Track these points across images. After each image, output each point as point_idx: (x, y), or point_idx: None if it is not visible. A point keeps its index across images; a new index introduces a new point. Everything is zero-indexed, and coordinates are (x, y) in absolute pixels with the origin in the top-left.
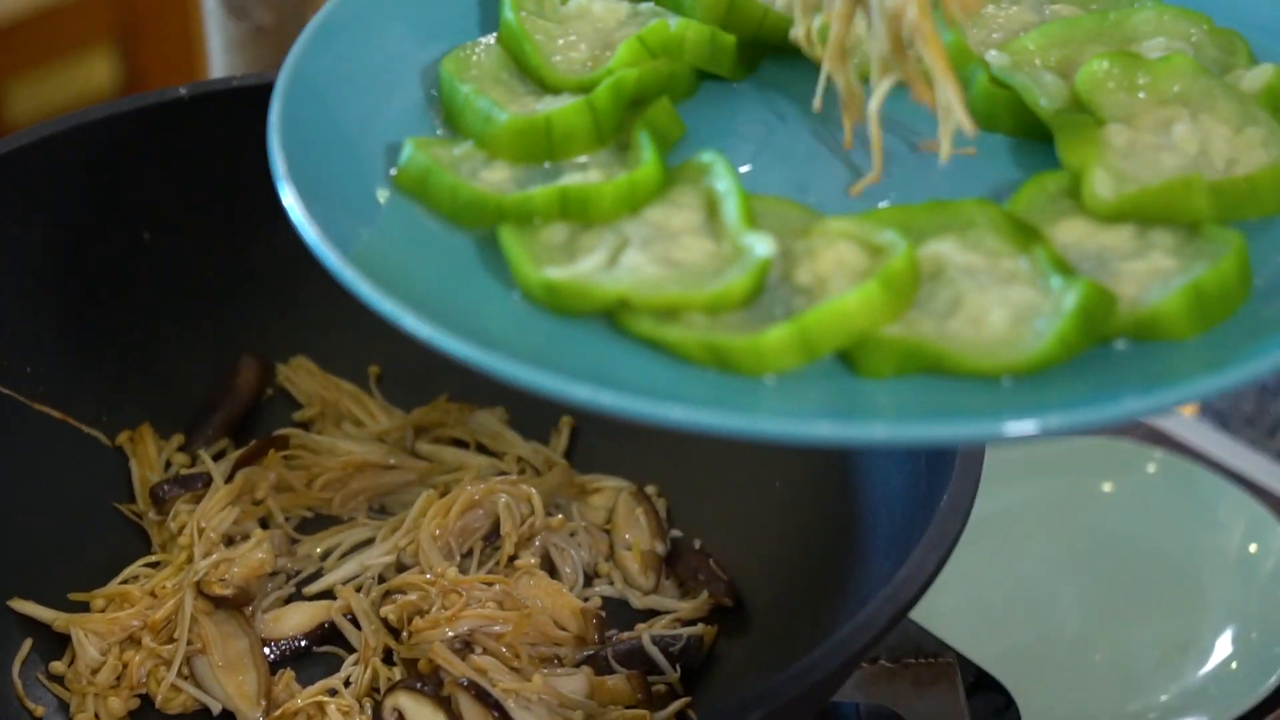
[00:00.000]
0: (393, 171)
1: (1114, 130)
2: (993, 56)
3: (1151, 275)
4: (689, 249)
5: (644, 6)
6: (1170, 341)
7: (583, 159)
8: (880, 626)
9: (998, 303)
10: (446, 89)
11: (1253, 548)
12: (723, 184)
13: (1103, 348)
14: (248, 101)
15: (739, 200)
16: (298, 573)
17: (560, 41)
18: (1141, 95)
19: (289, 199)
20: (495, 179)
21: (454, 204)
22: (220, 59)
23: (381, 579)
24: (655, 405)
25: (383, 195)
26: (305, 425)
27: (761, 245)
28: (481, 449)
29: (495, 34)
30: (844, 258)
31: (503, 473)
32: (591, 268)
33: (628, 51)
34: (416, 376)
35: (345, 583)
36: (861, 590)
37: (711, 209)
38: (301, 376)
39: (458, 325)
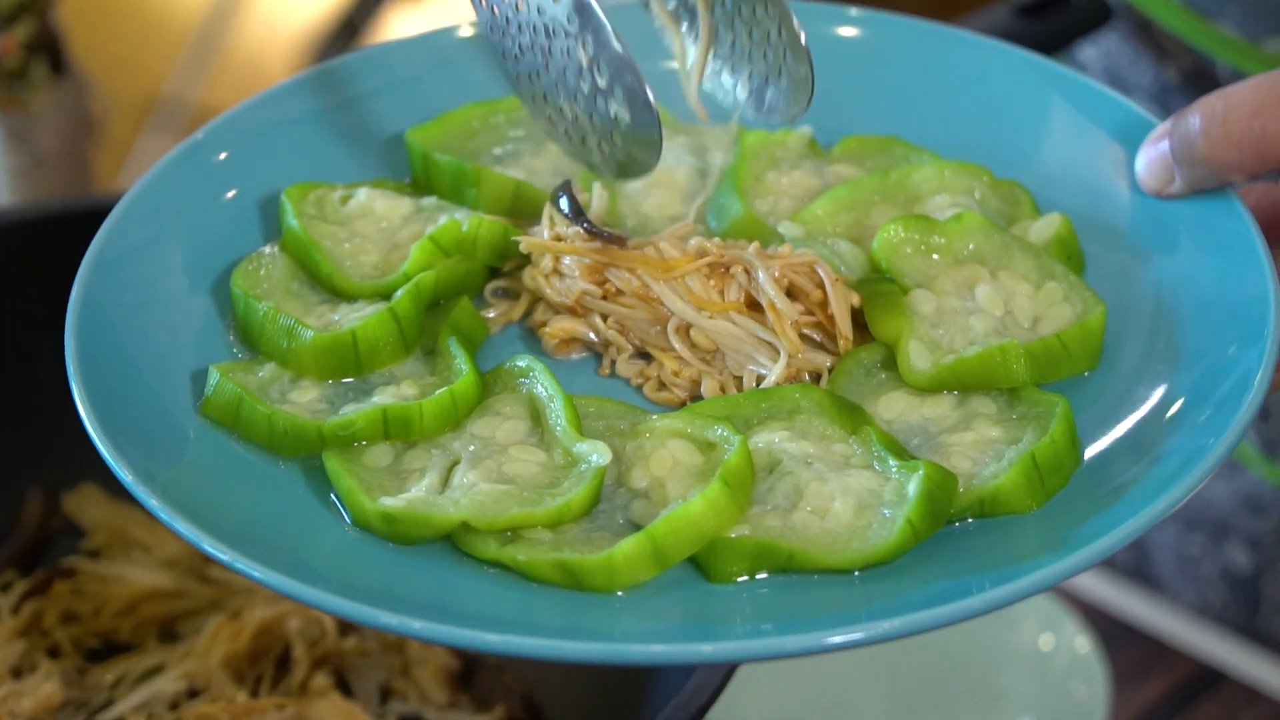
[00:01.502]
0: (199, 402)
1: (919, 297)
2: (785, 228)
3: (981, 447)
4: (520, 462)
5: (426, 202)
6: (1013, 516)
7: (391, 371)
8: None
9: (839, 492)
10: (241, 307)
11: (1046, 643)
12: (543, 389)
13: (948, 529)
14: (25, 232)
15: (565, 406)
16: (87, 703)
17: (346, 245)
18: (936, 257)
19: (95, 436)
20: (305, 400)
21: (271, 433)
22: (3, 186)
23: (173, 705)
24: (512, 639)
25: (191, 425)
26: (94, 553)
27: (596, 454)
28: None
29: (278, 242)
30: (677, 457)
31: None
32: (426, 493)
33: (421, 253)
34: None
35: (136, 710)
36: (657, 699)
37: (535, 416)
38: (88, 505)
39: (285, 558)
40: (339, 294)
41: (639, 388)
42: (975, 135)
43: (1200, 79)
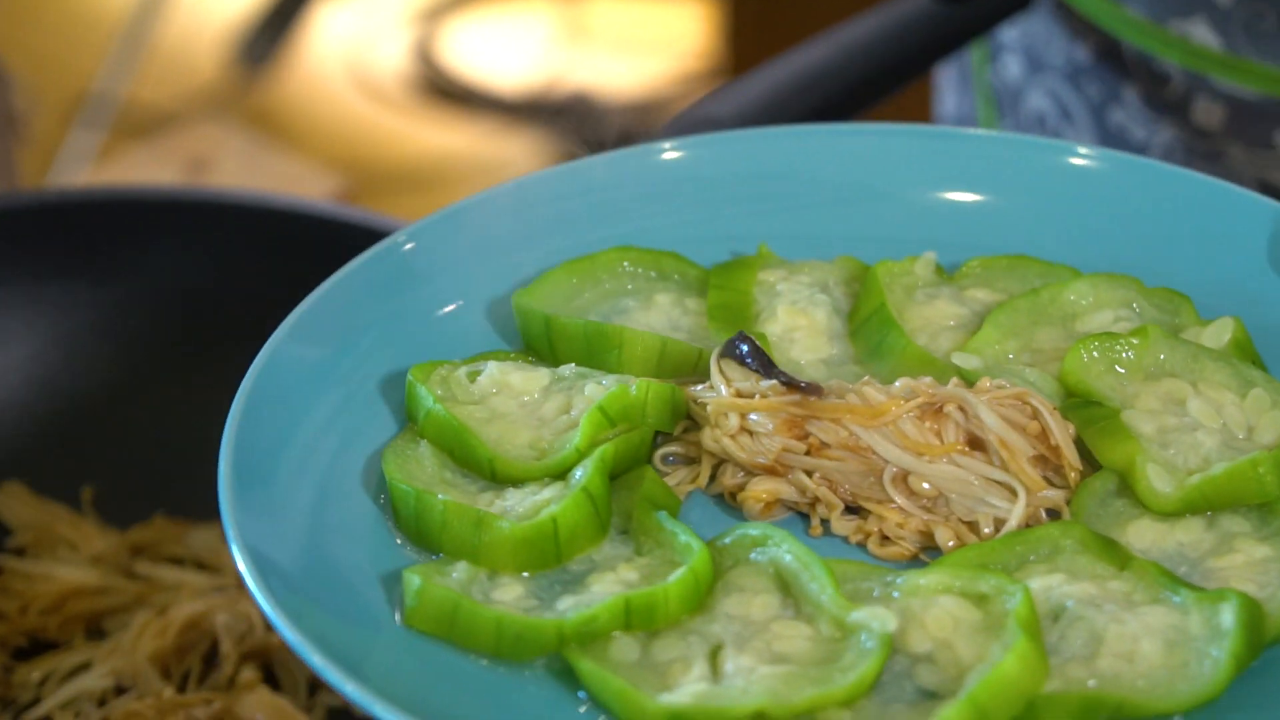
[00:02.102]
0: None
1: (1136, 417)
2: (961, 359)
3: (1256, 568)
4: (789, 639)
5: (564, 371)
6: None
7: (590, 557)
8: None
9: (1142, 633)
10: (413, 502)
11: None
12: (793, 557)
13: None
14: None
15: (825, 573)
16: (14, 701)
17: (491, 425)
18: (1123, 373)
19: (296, 643)
20: (511, 599)
21: (499, 638)
22: None
23: (101, 702)
24: None
25: (389, 633)
26: (19, 551)
27: (877, 621)
28: (200, 566)
29: (415, 428)
30: (957, 615)
31: (222, 589)
32: (708, 686)
33: (590, 425)
34: (132, 495)
35: (63, 708)
36: None
37: (783, 587)
38: (13, 503)
39: None
40: (498, 480)
41: (859, 544)
42: (1105, 250)
43: (1110, 59)
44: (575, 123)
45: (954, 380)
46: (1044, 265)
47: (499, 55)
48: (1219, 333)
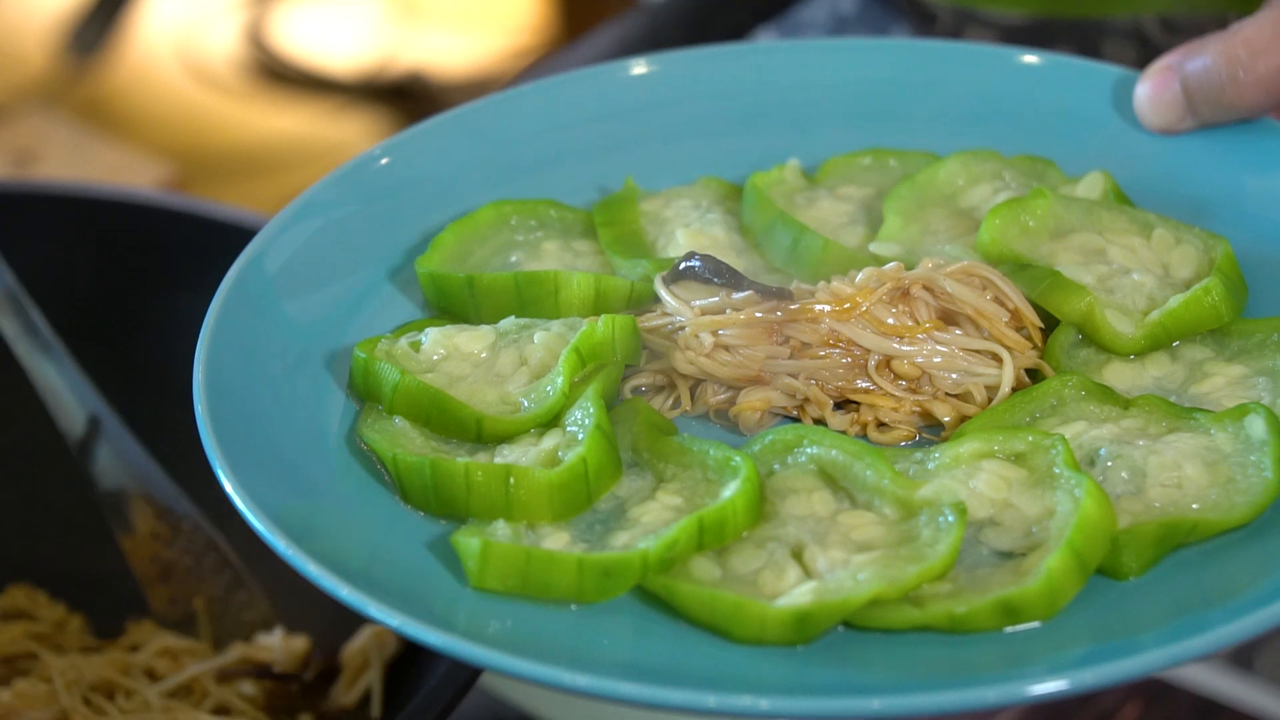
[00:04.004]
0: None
1: (1073, 272)
2: (880, 248)
3: (1237, 385)
4: (861, 527)
5: (503, 325)
6: None
7: (615, 494)
8: (445, 700)
9: (1181, 458)
10: (430, 474)
11: None
12: (837, 451)
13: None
14: None
15: (880, 459)
16: None
17: (456, 390)
18: (1035, 234)
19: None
20: (559, 546)
21: (581, 580)
22: None
23: None
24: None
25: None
26: None
27: (948, 494)
28: None
29: (373, 407)
30: (1004, 476)
31: None
32: (819, 583)
33: (570, 367)
34: None
35: None
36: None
37: (830, 482)
38: None
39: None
40: (485, 439)
41: (860, 436)
42: (943, 132)
43: (876, 3)
44: (411, 102)
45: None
46: (901, 154)
47: (331, 36)
48: (1092, 186)
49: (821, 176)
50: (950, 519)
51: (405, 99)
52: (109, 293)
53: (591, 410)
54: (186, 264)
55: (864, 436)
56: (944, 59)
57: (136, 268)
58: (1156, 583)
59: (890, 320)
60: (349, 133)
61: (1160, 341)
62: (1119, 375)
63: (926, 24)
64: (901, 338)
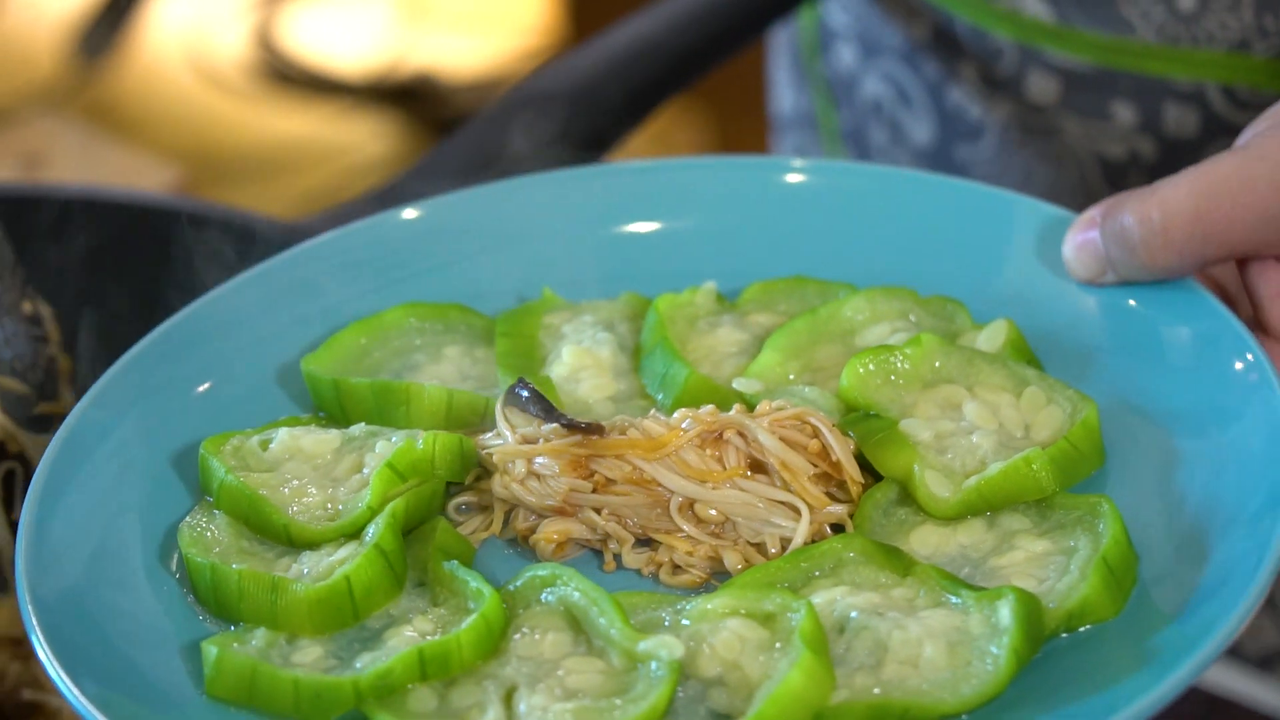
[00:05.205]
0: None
1: (913, 426)
2: (742, 384)
3: (1036, 563)
4: (581, 674)
5: (355, 430)
6: (1098, 626)
7: (388, 612)
8: None
9: (925, 636)
10: (210, 576)
11: None
12: (580, 594)
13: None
14: None
15: (614, 606)
16: None
17: (285, 490)
18: (903, 384)
19: None
20: (311, 660)
21: (298, 700)
22: None
23: None
24: None
25: (191, 706)
26: None
27: (665, 649)
28: None
29: (211, 500)
30: (742, 636)
31: None
32: None
33: (381, 482)
34: None
35: None
36: None
37: (574, 625)
38: None
39: None
40: (295, 544)
41: (652, 576)
42: (879, 262)
43: (945, 37)
44: (419, 104)
45: (735, 406)
46: (821, 284)
47: (340, 38)
48: (994, 336)
49: (740, 302)
50: (659, 674)
51: (414, 101)
52: (118, 295)
53: (379, 525)
54: (196, 267)
55: (655, 577)
56: (908, 186)
57: (146, 270)
58: None
59: (697, 462)
60: (358, 134)
61: (976, 508)
62: (925, 539)
63: (991, 61)
64: (705, 482)
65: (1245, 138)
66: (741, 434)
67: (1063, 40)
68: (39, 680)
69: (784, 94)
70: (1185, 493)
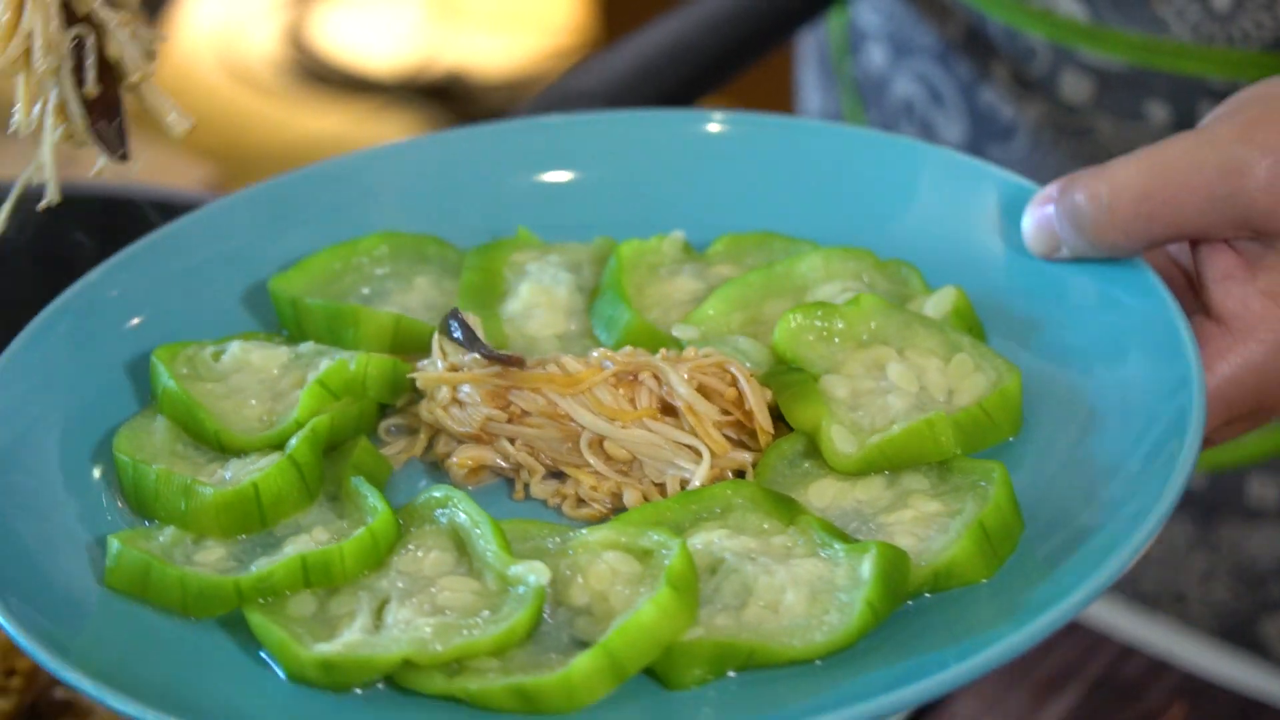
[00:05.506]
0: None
1: (832, 382)
2: (680, 331)
3: (922, 523)
4: (453, 593)
5: (303, 348)
6: (968, 587)
7: (297, 521)
8: None
9: (789, 583)
10: (131, 474)
11: None
12: (466, 516)
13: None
14: None
15: (493, 530)
16: None
17: (227, 401)
18: (839, 342)
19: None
20: (212, 560)
21: (184, 595)
22: None
23: None
24: None
25: (94, 597)
26: None
27: (533, 574)
28: None
29: (155, 405)
30: (616, 569)
31: None
32: (362, 636)
33: (311, 398)
34: None
35: None
36: None
37: (460, 546)
38: None
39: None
40: (227, 451)
41: (557, 507)
42: (849, 222)
43: (978, 37)
44: (450, 102)
45: (662, 351)
46: (788, 241)
47: (371, 37)
48: (941, 302)
49: (709, 253)
50: (523, 595)
51: (445, 99)
52: None
53: (298, 438)
54: None
55: (561, 508)
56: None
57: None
58: (708, 699)
59: (610, 401)
60: (388, 133)
61: (878, 465)
62: (823, 492)
63: (1025, 60)
64: (614, 420)
65: (1205, 121)
66: (656, 377)
67: (1097, 40)
68: None
69: (811, 95)
70: (1095, 458)
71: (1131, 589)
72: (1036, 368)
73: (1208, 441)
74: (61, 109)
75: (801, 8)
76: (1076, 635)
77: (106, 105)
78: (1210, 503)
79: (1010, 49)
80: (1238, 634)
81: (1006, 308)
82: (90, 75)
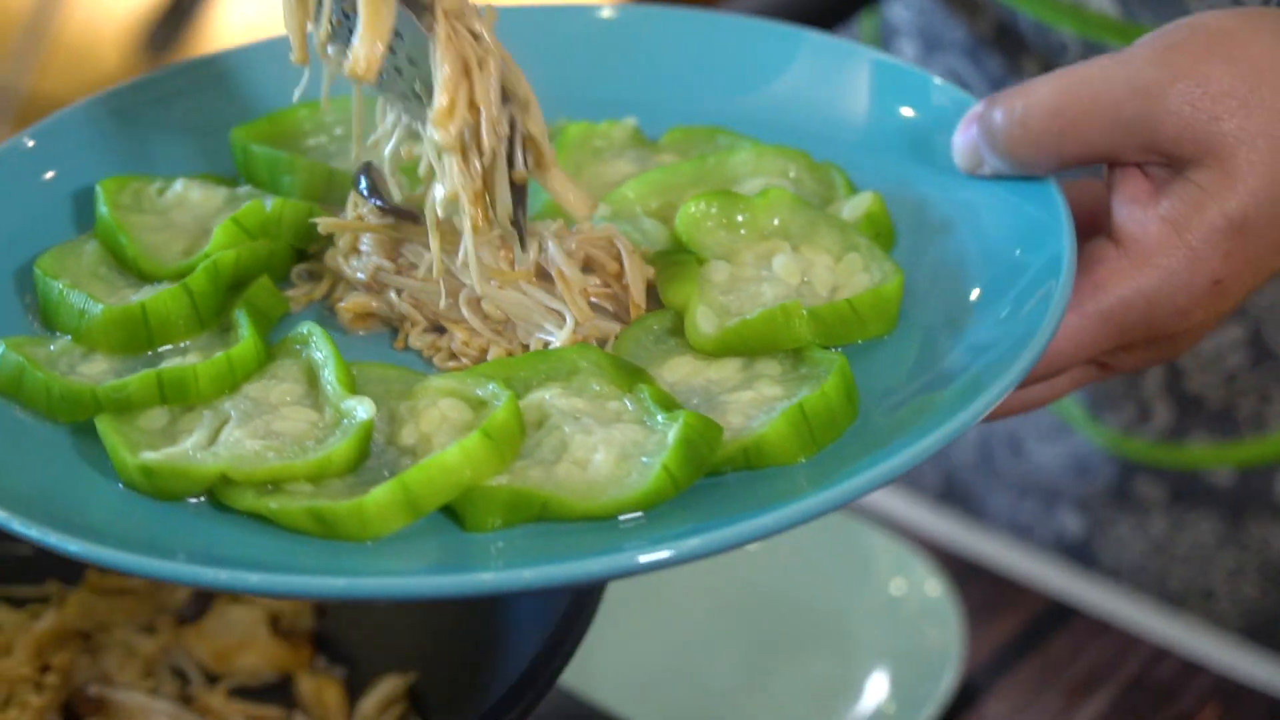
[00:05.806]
0: None
1: (715, 267)
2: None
3: (757, 404)
4: (290, 420)
5: (241, 190)
6: (781, 468)
7: (184, 344)
8: (527, 702)
9: (602, 443)
10: (41, 287)
11: (898, 588)
12: (320, 352)
13: (716, 480)
14: None
15: (336, 366)
16: None
17: (160, 234)
18: (742, 232)
19: None
20: (94, 372)
21: (49, 399)
22: None
23: None
24: (270, 578)
25: None
26: None
27: (361, 409)
28: None
29: (94, 231)
30: (447, 414)
31: None
32: (188, 447)
33: (224, 234)
34: None
35: None
36: (507, 666)
37: (311, 380)
38: None
39: (60, 520)
40: (145, 278)
41: (430, 359)
42: (797, 123)
43: (1009, 32)
44: None
45: (558, 222)
46: (734, 136)
47: None
48: (857, 206)
49: (662, 142)
50: (348, 427)
51: None
52: None
53: (199, 269)
54: None
55: (431, 361)
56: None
57: None
58: (498, 542)
59: (490, 262)
60: None
61: (734, 348)
62: (677, 369)
63: (1055, 56)
64: (493, 280)
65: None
66: (538, 244)
67: (1127, 35)
68: (106, 675)
69: None
70: (957, 352)
71: (1159, 587)
72: (937, 275)
73: (1106, 368)
74: (480, 196)
75: (837, 7)
76: (1109, 637)
77: (519, 193)
78: (1239, 500)
79: (1040, 44)
80: (1266, 632)
81: (922, 217)
82: (520, 157)
